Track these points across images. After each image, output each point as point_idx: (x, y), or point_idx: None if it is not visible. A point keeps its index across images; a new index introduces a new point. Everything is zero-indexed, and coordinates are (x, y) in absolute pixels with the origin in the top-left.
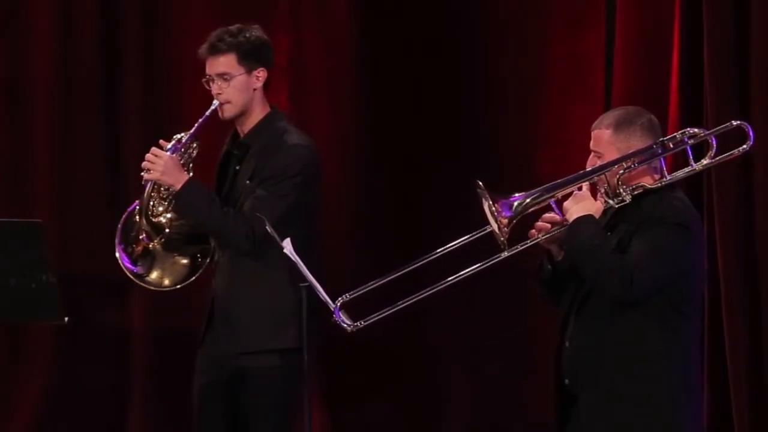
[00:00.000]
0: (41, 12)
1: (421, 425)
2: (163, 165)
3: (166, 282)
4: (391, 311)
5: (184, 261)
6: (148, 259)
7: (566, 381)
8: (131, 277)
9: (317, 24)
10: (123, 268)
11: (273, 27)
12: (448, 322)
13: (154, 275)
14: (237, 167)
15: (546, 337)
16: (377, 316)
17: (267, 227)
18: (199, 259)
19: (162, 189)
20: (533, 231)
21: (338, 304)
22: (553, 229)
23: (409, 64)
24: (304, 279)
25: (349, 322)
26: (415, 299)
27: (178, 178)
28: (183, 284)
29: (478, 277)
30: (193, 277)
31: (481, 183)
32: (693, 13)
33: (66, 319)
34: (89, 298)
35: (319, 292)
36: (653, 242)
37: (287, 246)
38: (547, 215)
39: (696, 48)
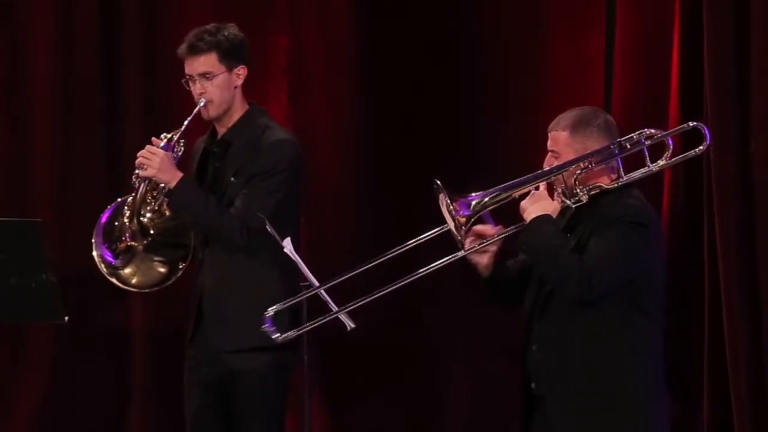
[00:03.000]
0: (41, 12)
1: (422, 425)
2: (159, 162)
3: (134, 281)
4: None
5: (162, 269)
6: (128, 256)
7: (533, 385)
8: (104, 268)
9: (317, 24)
10: (99, 258)
11: (272, 27)
12: (448, 322)
13: (127, 270)
14: (217, 164)
15: None
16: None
17: (267, 227)
18: (180, 266)
19: (151, 189)
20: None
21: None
22: (485, 241)
23: (408, 64)
24: (301, 278)
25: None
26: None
27: (174, 176)
28: (150, 289)
29: (480, 276)
30: (165, 285)
31: (438, 182)
32: (693, 13)
33: (66, 318)
34: (89, 298)
35: (319, 291)
36: (611, 242)
37: (287, 245)
38: (478, 227)
39: (696, 48)
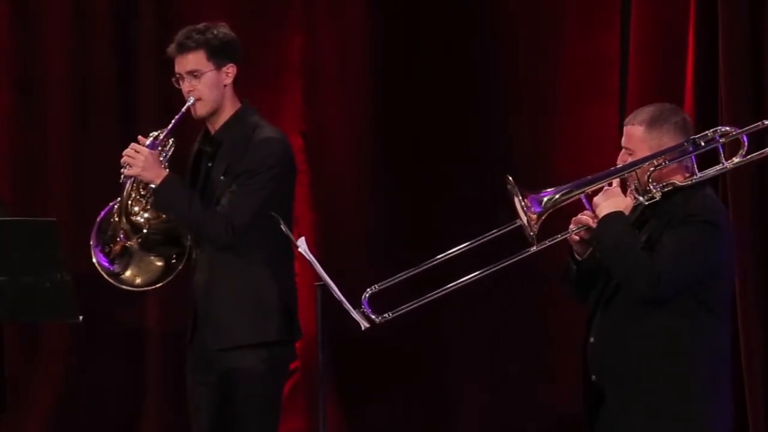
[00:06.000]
0: (56, 11)
1: (436, 425)
2: (143, 160)
3: (138, 281)
4: (415, 305)
5: (160, 263)
6: (125, 258)
7: (593, 377)
8: (106, 275)
9: (331, 23)
10: (98, 266)
11: (287, 26)
12: (463, 323)
13: (128, 273)
14: (209, 164)
15: (562, 338)
16: (402, 309)
17: (281, 226)
18: (174, 261)
19: (140, 187)
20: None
21: (366, 296)
22: (581, 227)
23: (423, 64)
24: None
25: (372, 318)
26: (440, 293)
27: (158, 174)
28: (155, 286)
29: (494, 278)
30: (167, 280)
31: (510, 178)
32: (708, 11)
33: (81, 317)
34: (104, 297)
35: (333, 290)
36: (683, 240)
37: (302, 245)
38: (582, 217)
39: (711, 46)
